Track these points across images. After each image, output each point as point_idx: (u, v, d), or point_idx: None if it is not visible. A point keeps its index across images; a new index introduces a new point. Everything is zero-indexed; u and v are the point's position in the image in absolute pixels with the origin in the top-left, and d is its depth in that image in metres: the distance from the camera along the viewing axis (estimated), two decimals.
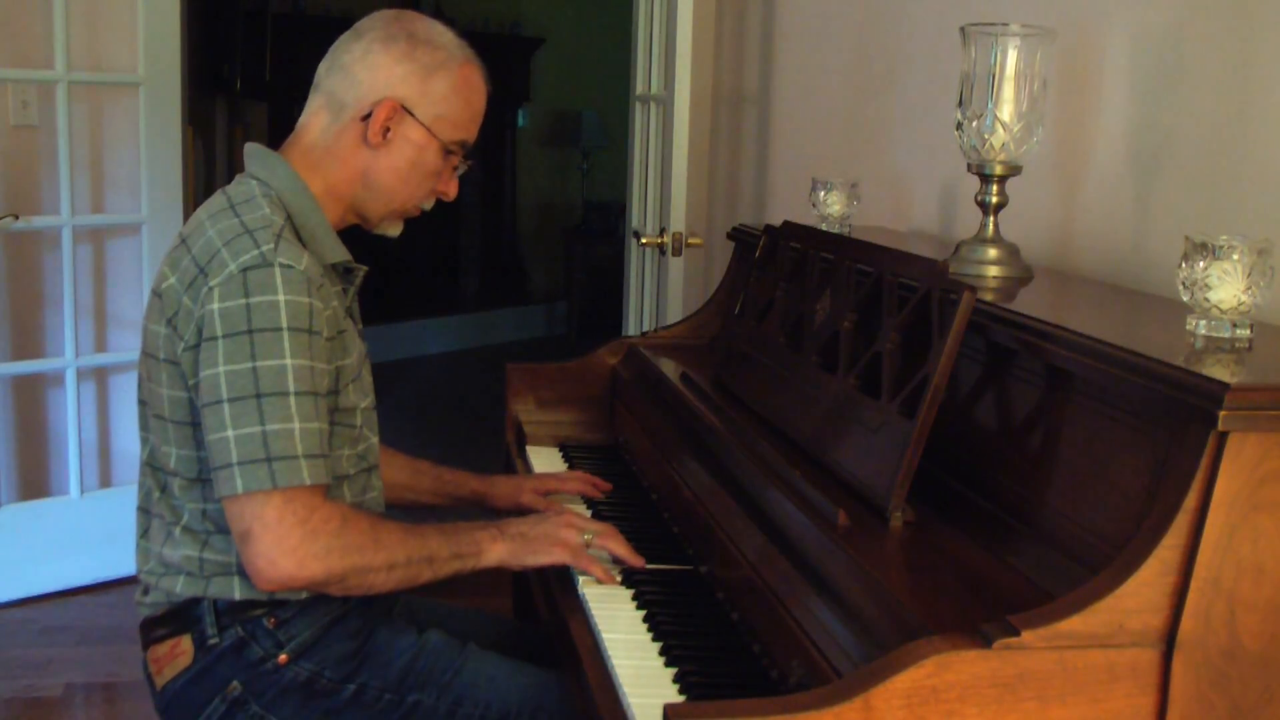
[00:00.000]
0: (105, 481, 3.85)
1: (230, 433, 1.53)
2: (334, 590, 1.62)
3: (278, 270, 1.55)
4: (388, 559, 1.61)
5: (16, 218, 3.50)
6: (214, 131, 6.21)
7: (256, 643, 1.65)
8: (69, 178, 3.51)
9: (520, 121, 8.20)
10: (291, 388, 1.54)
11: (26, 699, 3.06)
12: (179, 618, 1.67)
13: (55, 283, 3.63)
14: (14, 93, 3.62)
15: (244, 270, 1.55)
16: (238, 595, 1.64)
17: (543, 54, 7.95)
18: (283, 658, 1.65)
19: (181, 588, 1.66)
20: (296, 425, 1.54)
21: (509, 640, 1.95)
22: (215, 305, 1.55)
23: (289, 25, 6.73)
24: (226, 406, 1.53)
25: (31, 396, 3.79)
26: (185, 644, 1.66)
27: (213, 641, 1.65)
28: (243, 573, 1.63)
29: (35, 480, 3.80)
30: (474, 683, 1.71)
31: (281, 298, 1.55)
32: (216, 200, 1.71)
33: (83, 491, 3.69)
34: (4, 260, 3.65)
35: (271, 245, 1.57)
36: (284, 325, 1.54)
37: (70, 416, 3.62)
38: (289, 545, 1.54)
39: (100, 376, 3.82)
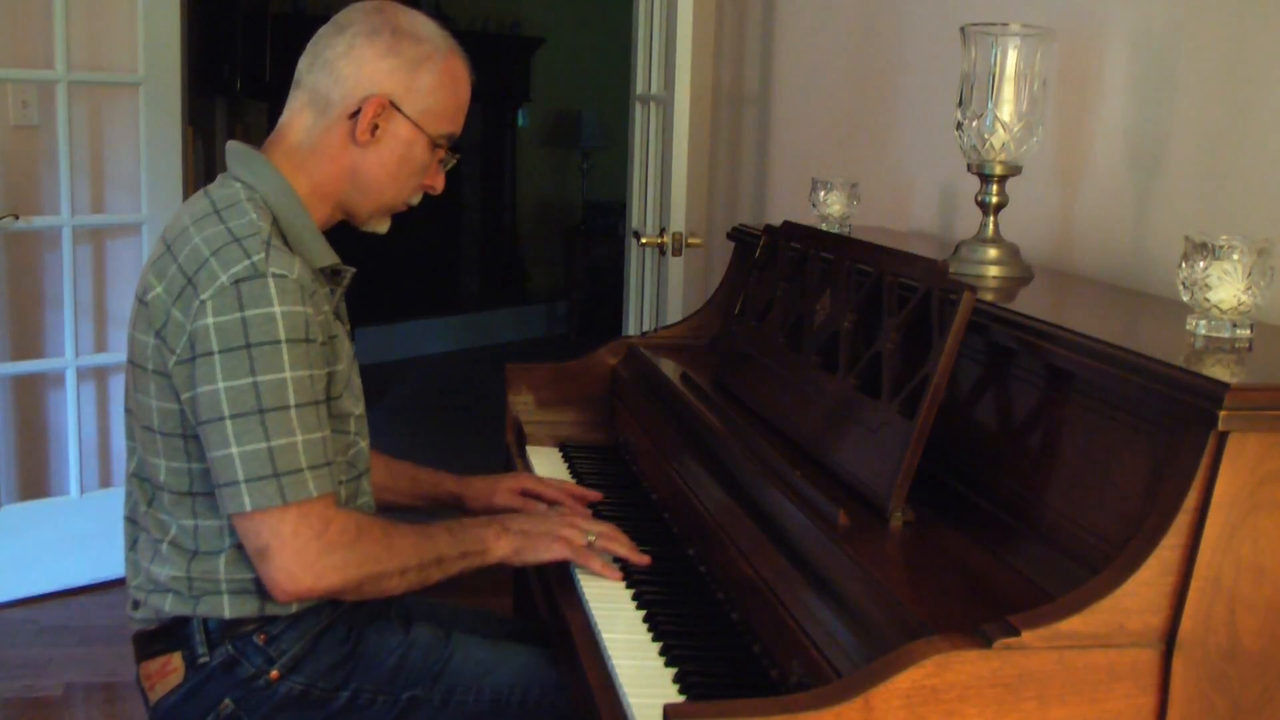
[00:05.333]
0: (105, 481, 3.85)
1: (235, 449, 1.51)
2: (349, 597, 1.62)
3: (271, 281, 1.53)
4: (401, 563, 1.61)
5: (16, 218, 3.50)
6: (214, 131, 6.21)
7: (247, 660, 1.64)
8: (69, 178, 3.51)
9: (520, 121, 8.20)
10: (293, 400, 1.53)
11: (26, 699, 3.06)
12: (169, 635, 1.66)
13: (55, 283, 3.63)
14: (14, 93, 3.62)
15: (236, 282, 1.52)
16: (227, 614, 1.63)
17: (543, 54, 7.95)
18: (274, 674, 1.64)
19: (170, 606, 1.64)
20: (300, 438, 1.53)
21: (504, 631, 1.95)
22: (209, 320, 1.52)
23: (289, 25, 6.73)
24: (229, 423, 1.51)
25: (31, 396, 3.79)
26: (176, 661, 1.66)
27: (203, 660, 1.64)
28: (231, 590, 1.62)
29: (35, 480, 3.80)
30: (464, 669, 1.71)
31: (278, 309, 1.52)
32: (200, 203, 1.66)
33: (83, 491, 3.69)
34: (4, 260, 3.65)
35: (262, 255, 1.54)
36: (282, 338, 1.52)
37: (70, 416, 3.62)
38: (307, 560, 1.54)
39: (100, 376, 3.82)
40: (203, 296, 1.53)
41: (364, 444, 1.76)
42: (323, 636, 1.68)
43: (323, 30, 1.71)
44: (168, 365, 1.57)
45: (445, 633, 1.77)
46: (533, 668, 1.73)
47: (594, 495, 2.03)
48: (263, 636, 1.64)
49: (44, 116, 3.64)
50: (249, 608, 1.63)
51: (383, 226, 1.78)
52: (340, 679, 1.67)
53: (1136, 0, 1.98)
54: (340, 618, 1.70)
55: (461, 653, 1.74)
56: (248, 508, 1.52)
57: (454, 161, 1.78)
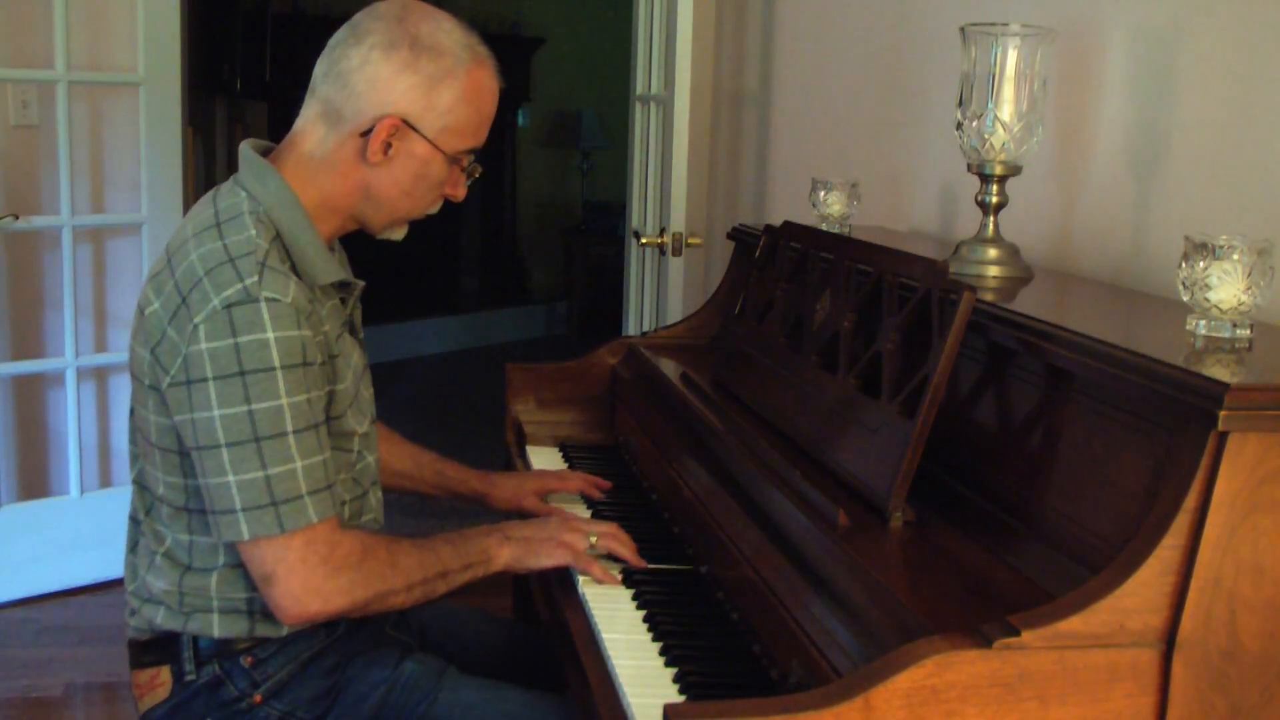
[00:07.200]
0: (105, 481, 3.85)
1: (232, 478, 1.49)
2: (355, 614, 1.61)
3: (264, 305, 1.48)
4: (406, 580, 1.60)
5: (16, 218, 3.50)
6: (214, 131, 6.20)
7: (232, 682, 1.62)
8: (69, 178, 3.51)
9: (520, 121, 8.20)
10: (290, 427, 1.49)
11: (26, 699, 3.06)
12: (160, 648, 1.65)
13: (55, 283, 3.63)
14: (14, 93, 3.62)
15: (228, 306, 1.47)
16: (216, 633, 1.61)
17: (543, 54, 7.95)
18: (257, 698, 1.63)
19: (162, 619, 1.63)
20: (299, 464, 1.50)
21: (505, 651, 1.94)
22: (203, 345, 1.48)
23: (289, 25, 6.72)
24: (225, 451, 1.48)
25: (31, 396, 3.79)
26: (164, 676, 1.65)
27: (190, 678, 1.63)
28: (222, 609, 1.61)
29: (35, 480, 3.80)
30: (448, 714, 1.67)
31: (271, 335, 1.48)
32: (204, 213, 1.60)
33: (83, 491, 3.69)
34: (4, 260, 3.65)
35: (255, 278, 1.49)
36: (276, 364, 1.48)
37: (70, 416, 3.62)
38: (314, 585, 1.52)
39: (100, 376, 3.82)
40: (195, 320, 1.49)
41: (371, 459, 1.74)
42: (310, 664, 1.66)
43: (341, 35, 1.62)
44: (162, 385, 1.54)
45: (439, 670, 1.71)
46: (523, 717, 1.67)
47: (606, 484, 2.07)
48: (250, 659, 1.63)
49: (44, 116, 3.64)
50: (238, 628, 1.62)
51: (399, 235, 1.73)
52: (320, 711, 1.65)
53: (1136, 0, 1.98)
54: (332, 645, 1.68)
55: (449, 695, 1.68)
56: (246, 536, 1.50)
57: (478, 172, 1.73)
